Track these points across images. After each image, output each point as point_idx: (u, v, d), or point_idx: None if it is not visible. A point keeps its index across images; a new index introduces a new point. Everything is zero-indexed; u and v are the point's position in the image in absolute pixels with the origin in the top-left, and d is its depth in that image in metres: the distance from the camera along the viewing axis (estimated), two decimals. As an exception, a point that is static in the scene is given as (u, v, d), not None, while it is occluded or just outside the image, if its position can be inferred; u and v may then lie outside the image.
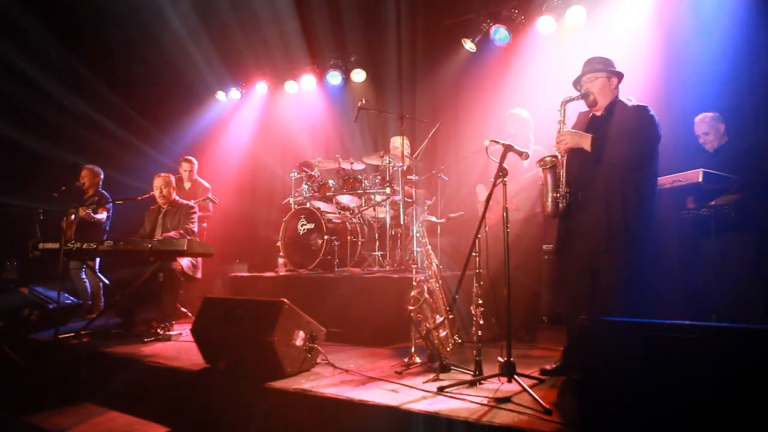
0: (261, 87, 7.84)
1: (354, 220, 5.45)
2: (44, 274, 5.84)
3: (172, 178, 5.30)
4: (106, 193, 6.21)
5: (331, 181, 5.52)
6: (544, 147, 4.13)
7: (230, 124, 8.28)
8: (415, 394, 2.71)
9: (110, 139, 7.46)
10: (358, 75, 7.16)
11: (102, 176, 6.28)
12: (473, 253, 2.93)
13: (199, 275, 5.17)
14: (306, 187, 5.61)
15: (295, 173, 5.80)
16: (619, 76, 3.09)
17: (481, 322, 2.97)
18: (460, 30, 6.11)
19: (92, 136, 7.37)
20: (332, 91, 7.45)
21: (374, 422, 2.56)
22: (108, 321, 5.00)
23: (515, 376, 2.69)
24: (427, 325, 3.29)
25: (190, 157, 6.55)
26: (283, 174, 7.17)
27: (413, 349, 3.42)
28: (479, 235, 2.93)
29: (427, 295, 3.36)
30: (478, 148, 3.56)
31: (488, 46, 5.94)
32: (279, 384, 2.97)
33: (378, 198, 5.34)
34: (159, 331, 4.48)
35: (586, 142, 2.96)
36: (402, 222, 5.10)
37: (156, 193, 5.15)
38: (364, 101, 5.21)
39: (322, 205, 5.68)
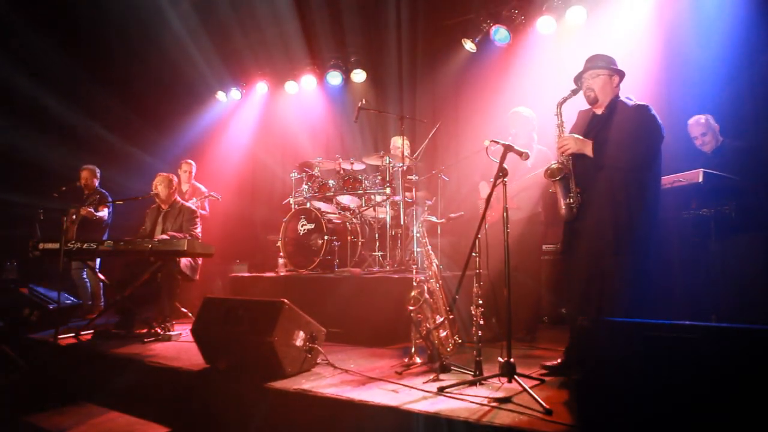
0: (261, 87, 7.84)
1: (354, 221, 5.45)
2: (44, 274, 5.86)
3: (174, 179, 5.29)
4: (105, 191, 6.23)
5: (331, 182, 5.52)
6: (546, 147, 4.14)
7: (230, 124, 8.28)
8: (415, 395, 2.71)
9: (110, 139, 7.46)
10: (358, 75, 7.16)
11: (99, 175, 6.30)
12: (473, 254, 2.94)
13: (197, 277, 5.17)
14: (306, 187, 5.61)
15: (296, 173, 5.80)
16: (621, 74, 3.09)
17: (481, 322, 2.97)
18: (460, 30, 6.11)
19: (92, 137, 7.38)
20: (332, 91, 7.45)
21: (374, 422, 2.56)
22: (108, 321, 5.01)
23: (515, 377, 2.69)
24: (428, 325, 3.29)
25: (189, 160, 6.57)
26: (284, 174, 7.18)
27: (413, 350, 3.42)
28: (479, 236, 2.93)
29: (427, 296, 3.36)
30: (479, 149, 3.56)
31: (488, 47, 5.95)
32: (279, 384, 2.97)
33: (378, 198, 5.34)
34: (159, 331, 4.48)
35: (588, 148, 2.96)
36: (402, 222, 5.10)
37: (156, 191, 5.15)
38: (364, 101, 5.21)
39: (323, 206, 5.68)
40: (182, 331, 4.60)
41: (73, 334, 4.52)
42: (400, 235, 5.12)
